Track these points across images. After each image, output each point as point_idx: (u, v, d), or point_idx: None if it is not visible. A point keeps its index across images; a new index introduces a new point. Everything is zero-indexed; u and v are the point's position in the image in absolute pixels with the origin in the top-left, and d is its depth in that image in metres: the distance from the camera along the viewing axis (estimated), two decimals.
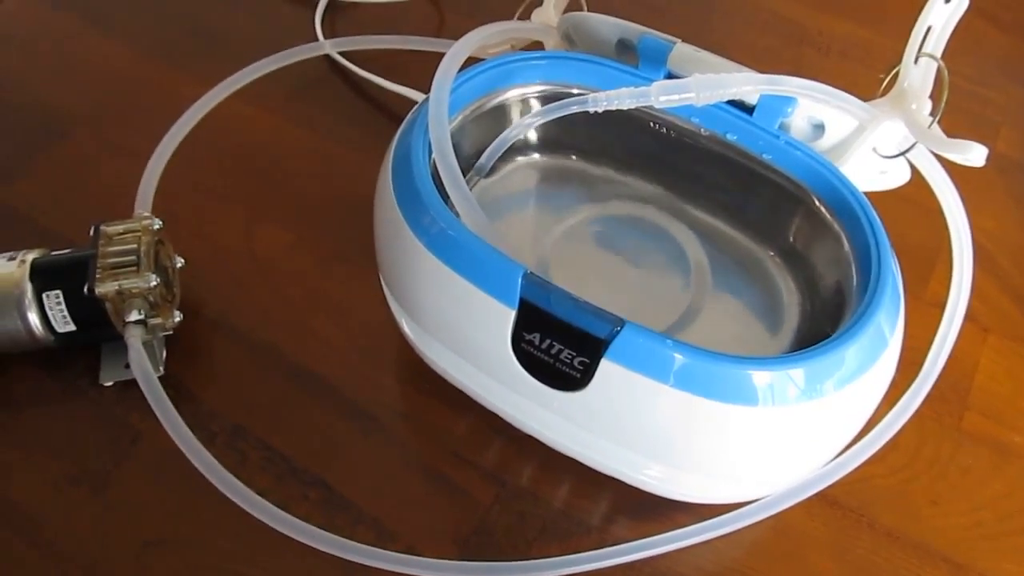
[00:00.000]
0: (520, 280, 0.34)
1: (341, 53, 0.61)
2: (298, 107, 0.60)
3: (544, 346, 0.35)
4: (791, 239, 0.43)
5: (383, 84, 0.59)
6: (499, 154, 0.41)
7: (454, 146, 0.38)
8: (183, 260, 0.49)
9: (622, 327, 0.33)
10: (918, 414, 0.45)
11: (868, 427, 0.42)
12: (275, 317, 0.50)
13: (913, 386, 0.46)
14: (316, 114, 0.59)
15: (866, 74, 0.66)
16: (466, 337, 0.38)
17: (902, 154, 0.39)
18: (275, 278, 0.52)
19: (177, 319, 0.47)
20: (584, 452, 0.40)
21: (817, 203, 0.40)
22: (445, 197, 0.37)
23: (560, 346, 0.34)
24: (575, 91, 0.42)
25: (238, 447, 0.45)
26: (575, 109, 0.39)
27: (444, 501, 0.44)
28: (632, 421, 0.36)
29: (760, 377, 0.33)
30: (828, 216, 0.40)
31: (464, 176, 0.40)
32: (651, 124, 0.43)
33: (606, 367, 0.34)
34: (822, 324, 0.40)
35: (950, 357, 0.46)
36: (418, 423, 0.47)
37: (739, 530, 0.42)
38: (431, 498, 0.44)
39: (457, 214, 0.37)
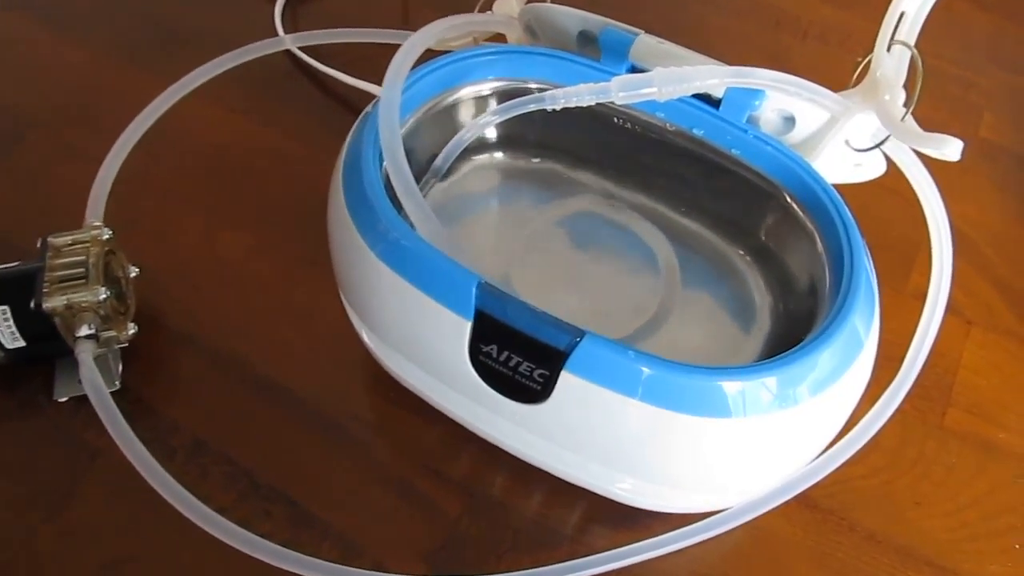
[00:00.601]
0: (475, 291, 0.33)
1: (303, 48, 0.59)
2: (259, 105, 0.58)
3: (502, 358, 0.33)
4: (762, 237, 0.41)
5: (346, 80, 0.57)
6: (455, 155, 0.40)
7: (408, 148, 0.36)
8: (137, 269, 0.47)
9: (581, 338, 0.32)
10: (900, 412, 0.44)
11: (848, 427, 0.41)
12: (238, 326, 0.48)
13: (894, 383, 0.44)
14: (278, 112, 0.58)
15: (846, 59, 0.64)
16: (424, 348, 0.36)
17: (876, 147, 0.37)
18: (238, 285, 0.50)
19: (131, 331, 0.45)
20: (552, 464, 0.39)
21: (788, 200, 0.39)
22: (398, 204, 0.35)
23: (518, 358, 0.33)
24: (533, 86, 0.41)
25: (199, 462, 0.44)
26: (532, 107, 0.37)
27: (412, 514, 0.43)
28: (599, 434, 0.34)
29: (732, 387, 0.32)
30: (800, 213, 0.38)
31: (420, 179, 0.39)
32: (615, 119, 0.41)
33: (567, 379, 0.33)
34: (796, 325, 0.39)
35: (932, 352, 0.44)
36: (386, 433, 0.46)
37: (716, 537, 0.41)
38: (399, 511, 0.43)
39: (411, 222, 0.35)
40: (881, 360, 0.45)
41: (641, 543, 0.41)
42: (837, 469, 0.42)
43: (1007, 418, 0.47)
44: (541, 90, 0.37)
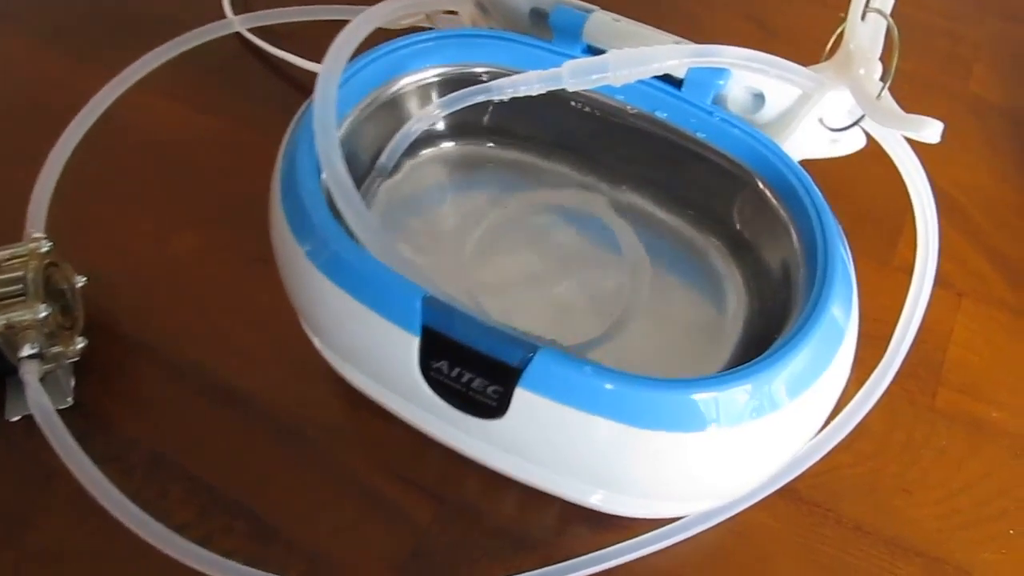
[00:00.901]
0: (420, 305, 0.31)
1: (253, 30, 0.56)
2: (210, 94, 0.55)
3: (454, 374, 0.31)
4: (736, 225, 0.39)
5: (299, 63, 0.54)
6: (401, 151, 0.37)
7: (349, 148, 0.34)
8: (84, 279, 0.45)
9: (534, 353, 0.30)
10: (887, 394, 0.42)
11: (833, 413, 0.39)
12: (194, 331, 0.46)
13: (880, 366, 0.43)
14: (230, 100, 0.55)
15: (830, 17, 0.61)
16: (374, 361, 0.34)
17: (852, 126, 0.34)
18: (193, 288, 0.48)
19: (80, 345, 0.43)
20: (519, 475, 0.37)
21: (760, 185, 0.36)
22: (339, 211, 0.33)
23: (470, 374, 0.31)
24: (480, 71, 0.38)
25: (159, 478, 0.42)
26: (480, 98, 0.34)
27: (381, 523, 0.41)
28: (564, 450, 0.32)
29: (705, 399, 0.30)
30: (772, 200, 0.36)
31: (365, 178, 0.36)
32: (572, 103, 0.38)
33: (523, 396, 0.30)
34: (772, 318, 0.36)
35: (921, 328, 0.42)
36: (351, 439, 0.44)
37: (697, 535, 0.39)
38: (367, 520, 0.41)
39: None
40: (867, 339, 0.43)
41: (620, 545, 0.39)
42: (822, 459, 0.41)
43: (1000, 395, 0.45)
44: (489, 75, 0.35)
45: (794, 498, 0.42)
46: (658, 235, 0.40)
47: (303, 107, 0.36)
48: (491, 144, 0.42)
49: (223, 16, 0.56)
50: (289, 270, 0.35)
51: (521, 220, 0.41)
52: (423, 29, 0.43)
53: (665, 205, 0.41)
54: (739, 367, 0.31)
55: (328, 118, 0.32)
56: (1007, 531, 0.41)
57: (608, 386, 0.29)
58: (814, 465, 0.41)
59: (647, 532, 0.39)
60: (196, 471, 0.42)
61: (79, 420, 0.41)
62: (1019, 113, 0.55)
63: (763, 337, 0.36)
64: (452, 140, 0.42)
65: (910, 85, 0.56)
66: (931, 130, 0.29)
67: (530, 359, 0.30)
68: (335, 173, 0.32)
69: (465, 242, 0.40)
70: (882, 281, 0.48)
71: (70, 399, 0.44)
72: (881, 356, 0.43)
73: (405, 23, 0.47)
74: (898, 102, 0.33)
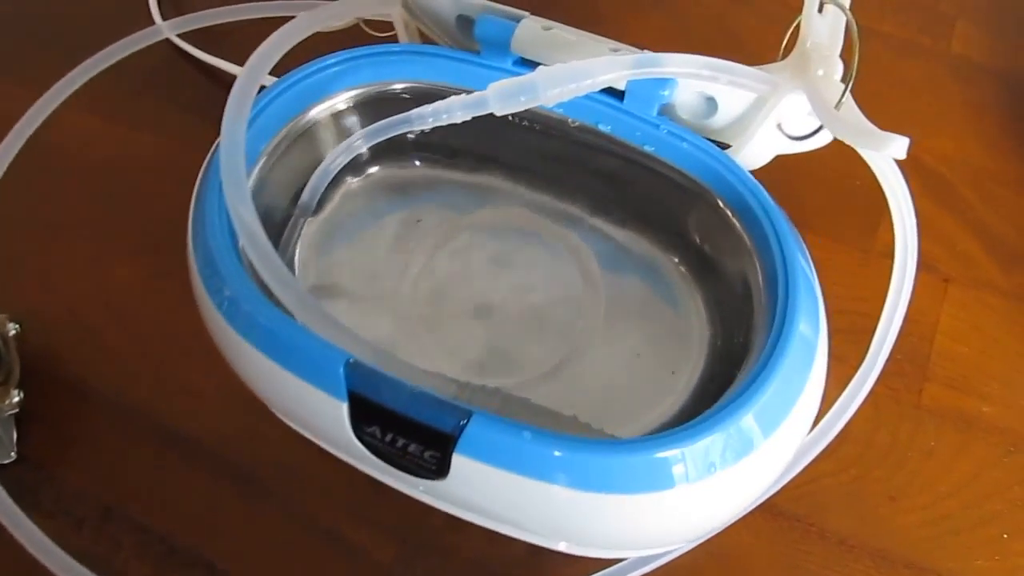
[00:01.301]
0: (343, 371, 0.28)
1: (184, 36, 0.52)
2: (144, 108, 0.52)
3: (387, 440, 0.29)
4: (696, 241, 0.36)
5: (234, 69, 0.51)
6: (323, 188, 0.34)
7: (265, 190, 0.31)
8: (17, 326, 0.42)
9: (468, 419, 0.27)
10: (870, 393, 0.40)
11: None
12: (139, 372, 0.44)
13: (863, 366, 0.40)
14: (165, 114, 0.52)
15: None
16: (307, 421, 0.32)
17: (813, 135, 0.31)
18: (135, 324, 0.45)
19: (16, 398, 0.41)
20: (479, 522, 0.35)
21: (714, 200, 0.33)
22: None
23: (404, 440, 0.29)
24: (399, 88, 0.35)
25: (109, 532, 0.40)
26: (401, 129, 0.31)
27: (343, 565, 0.39)
28: (517, 512, 0.30)
29: (671, 456, 0.28)
30: (728, 214, 0.33)
31: (287, 220, 0.33)
32: (510, 117, 0.35)
33: (462, 462, 0.28)
34: (736, 336, 0.34)
35: (905, 320, 0.40)
36: (307, 480, 0.42)
37: (672, 561, 0.37)
38: (329, 563, 0.40)
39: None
40: (849, 335, 0.41)
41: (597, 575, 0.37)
42: (803, 469, 0.39)
43: (990, 388, 0.42)
44: (409, 92, 0.31)
45: (774, 513, 0.40)
46: (612, 254, 0.38)
47: (211, 150, 0.33)
48: (420, 163, 0.39)
49: (151, 22, 0.53)
50: (208, 324, 0.32)
51: (461, 244, 0.38)
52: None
53: (618, 221, 0.38)
54: (706, 414, 0.29)
55: (236, 167, 0.30)
56: (1000, 535, 0.39)
57: (556, 453, 0.27)
58: (795, 477, 0.39)
59: (622, 559, 0.37)
60: (148, 522, 0.41)
61: (25, 474, 0.40)
62: (1008, 72, 0.51)
63: (728, 356, 0.34)
64: (379, 164, 0.39)
65: (885, 47, 0.53)
66: (896, 147, 0.26)
67: (464, 426, 0.27)
68: (247, 230, 0.29)
69: (402, 273, 0.37)
70: (863, 269, 0.46)
71: (13, 453, 0.42)
72: (864, 353, 0.40)
73: (338, 25, 0.44)
74: (861, 107, 0.30)
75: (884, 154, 0.26)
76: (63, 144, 0.50)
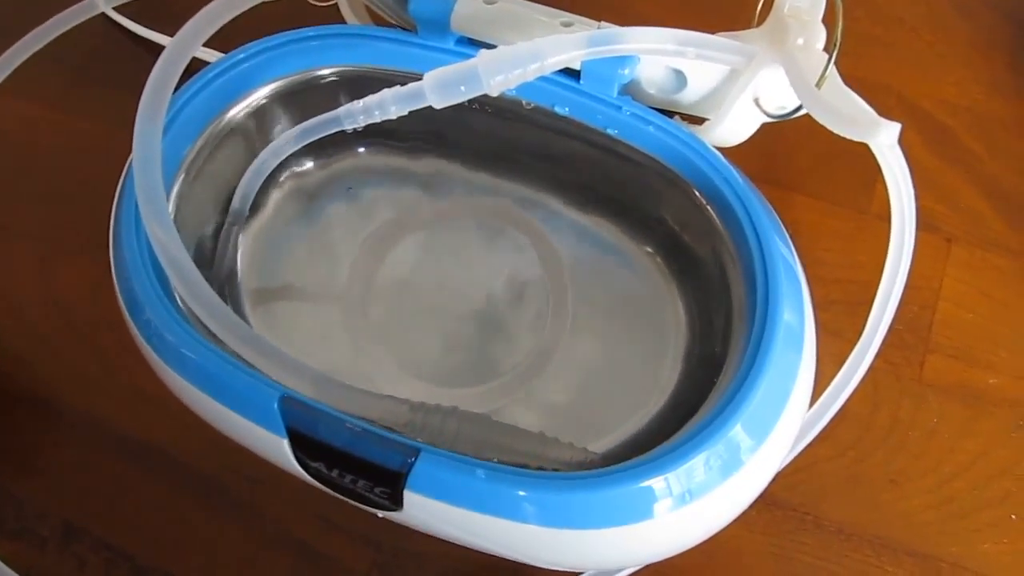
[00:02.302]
0: (278, 407, 0.26)
1: (120, 9, 0.48)
2: (82, 92, 0.48)
3: (334, 475, 0.27)
4: (672, 227, 0.33)
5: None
6: (255, 192, 0.31)
7: (189, 201, 0.28)
8: None
9: (416, 457, 0.25)
10: (869, 370, 0.37)
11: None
12: (94, 379, 0.42)
13: (860, 342, 0.37)
14: (105, 97, 0.48)
15: None
16: (255, 451, 0.30)
17: (793, 113, 0.28)
18: (86, 328, 0.43)
19: None
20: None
21: (684, 184, 0.30)
22: None
23: (352, 475, 0.26)
24: (325, 72, 0.31)
25: (74, 551, 0.39)
26: (331, 129, 0.28)
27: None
28: (484, 543, 0.28)
29: (652, 485, 0.25)
30: (700, 199, 0.30)
31: (218, 230, 0.30)
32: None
33: (416, 499, 0.26)
34: (715, 333, 0.31)
35: (905, 287, 0.37)
36: (275, 488, 0.39)
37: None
38: (302, 575, 0.38)
39: None
40: (846, 307, 0.38)
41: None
42: (798, 456, 0.36)
43: (997, 357, 0.40)
44: (338, 76, 0.28)
45: (768, 503, 0.38)
46: (580, 245, 0.34)
47: (127, 165, 0.30)
48: (365, 150, 0.36)
49: None
50: (139, 347, 0.30)
51: (414, 239, 0.35)
52: None
53: (586, 209, 0.34)
54: (689, 430, 0.26)
55: (152, 184, 0.27)
56: (1008, 516, 0.37)
57: (520, 492, 0.24)
58: (789, 464, 0.36)
59: None
60: (112, 539, 0.39)
61: None
62: (1017, 7, 0.47)
63: (708, 354, 0.31)
64: (317, 156, 0.36)
65: None
66: (886, 134, 0.23)
67: (412, 463, 0.25)
68: (166, 253, 0.26)
69: (352, 274, 0.34)
70: (859, 233, 0.42)
71: None
72: (861, 326, 0.37)
73: None
74: (846, 81, 0.26)
75: (873, 143, 0.23)
76: None
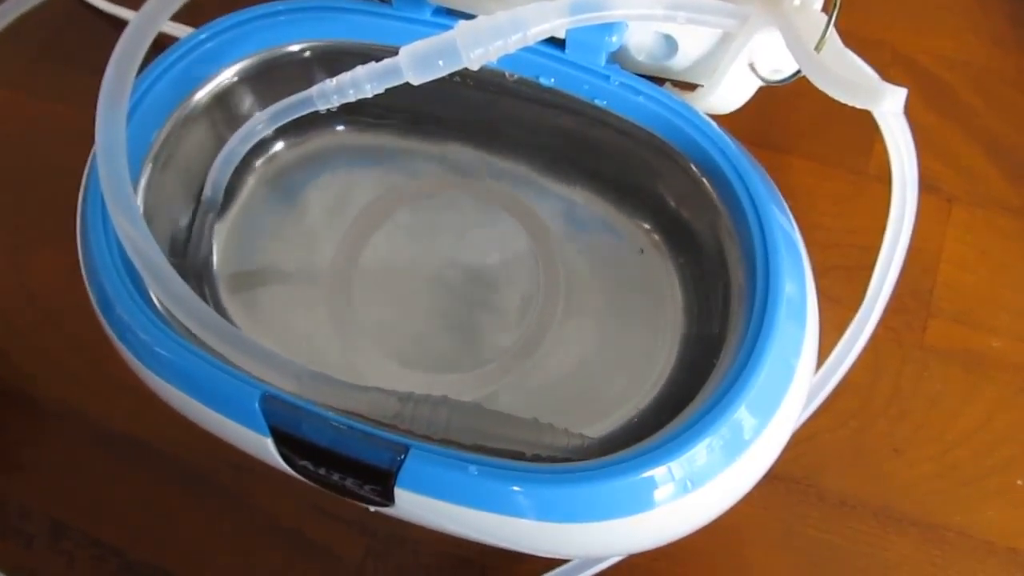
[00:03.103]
0: (259, 406, 0.24)
1: None
2: (49, 72, 0.47)
3: (322, 472, 0.26)
4: (671, 203, 0.31)
5: None
6: (227, 178, 0.30)
7: (161, 189, 0.27)
8: None
9: (405, 454, 0.24)
10: (871, 337, 0.36)
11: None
12: (71, 371, 0.41)
13: (862, 309, 0.36)
14: (71, 77, 0.46)
15: None
16: (239, 447, 0.29)
17: (792, 78, 0.26)
18: (61, 318, 0.42)
19: None
20: None
21: (678, 157, 0.29)
22: None
23: (340, 474, 0.25)
24: (295, 49, 0.30)
25: (62, 548, 0.38)
26: (304, 110, 0.27)
27: (309, 566, 0.37)
28: (475, 535, 0.27)
29: (654, 475, 0.24)
30: (695, 171, 0.28)
31: (192, 220, 0.29)
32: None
33: (407, 495, 0.25)
34: (713, 312, 0.30)
35: (907, 250, 0.36)
36: (264, 478, 0.38)
37: None
38: (294, 565, 0.37)
39: None
40: (846, 272, 0.37)
41: (575, 562, 0.35)
42: (799, 427, 0.36)
43: (1000, 319, 0.39)
44: (307, 50, 0.26)
45: (769, 476, 0.36)
46: (571, 221, 0.33)
47: (91, 156, 0.29)
48: (343, 127, 0.34)
49: None
50: (114, 345, 0.29)
51: (397, 220, 0.33)
52: None
53: (576, 183, 0.33)
54: (692, 413, 0.25)
55: (118, 174, 0.25)
56: (1014, 482, 0.36)
57: (515, 487, 0.23)
58: (790, 436, 0.35)
59: None
60: (101, 534, 0.38)
61: None
62: None
63: (707, 334, 0.30)
64: (295, 134, 0.34)
65: None
66: (891, 101, 0.22)
67: (402, 460, 0.24)
68: (135, 247, 0.25)
69: (334, 259, 0.33)
70: (858, 195, 0.41)
71: None
72: (862, 292, 0.36)
73: None
74: (845, 40, 0.25)
75: (878, 111, 0.22)
76: None
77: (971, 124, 0.42)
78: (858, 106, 0.24)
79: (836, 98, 0.24)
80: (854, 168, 0.42)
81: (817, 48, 0.24)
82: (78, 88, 0.45)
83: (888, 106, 0.22)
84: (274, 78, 0.29)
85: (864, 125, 0.42)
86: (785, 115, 0.43)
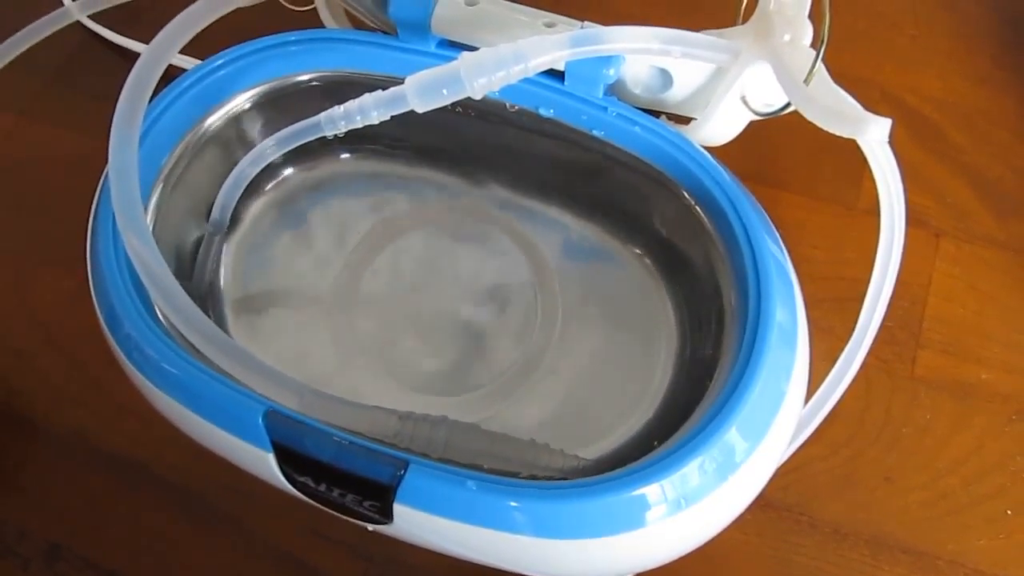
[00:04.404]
0: (262, 422, 0.25)
1: (95, 17, 0.48)
2: (58, 102, 0.48)
3: (322, 489, 0.26)
4: (660, 231, 0.32)
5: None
6: (235, 202, 0.30)
7: (170, 211, 0.27)
8: None
9: (405, 469, 0.24)
10: (862, 367, 0.36)
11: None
12: (73, 393, 0.41)
13: (852, 339, 0.36)
14: (80, 106, 0.47)
15: None
16: (239, 464, 0.29)
17: (782, 110, 0.28)
18: (64, 340, 0.42)
19: None
20: None
21: (673, 186, 0.30)
22: None
23: (340, 490, 0.26)
24: (306, 78, 0.31)
25: (58, 570, 0.38)
26: (312, 136, 0.28)
27: None
28: (477, 555, 0.27)
29: (645, 493, 0.25)
30: (688, 200, 0.29)
31: (199, 241, 0.30)
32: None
33: (406, 511, 0.25)
34: (706, 336, 0.31)
35: (896, 282, 0.36)
36: (261, 501, 0.39)
37: None
38: None
39: None
40: (836, 304, 0.38)
41: None
42: (791, 456, 0.36)
43: (989, 351, 0.39)
44: (319, 81, 0.27)
45: (761, 505, 0.37)
46: (569, 248, 0.34)
47: (103, 176, 0.30)
48: (349, 156, 0.35)
49: (59, 3, 0.48)
50: (118, 361, 0.29)
51: (400, 246, 0.34)
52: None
53: (574, 212, 0.34)
54: (683, 435, 0.26)
55: (129, 193, 0.26)
56: (1004, 511, 0.37)
57: (512, 503, 0.24)
58: (782, 464, 0.36)
59: None
60: (97, 557, 0.38)
61: None
62: None
63: (700, 357, 0.31)
64: (300, 162, 0.35)
65: None
66: (876, 130, 0.23)
67: (402, 476, 0.24)
68: (144, 265, 0.25)
69: (338, 284, 0.34)
70: (847, 229, 0.42)
71: None
72: (851, 323, 0.37)
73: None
74: (835, 79, 0.26)
75: (863, 140, 0.23)
76: None
77: (957, 161, 0.43)
78: (845, 135, 0.25)
79: (824, 128, 0.25)
80: (843, 202, 0.43)
81: (806, 81, 0.25)
82: (86, 116, 0.47)
83: (873, 134, 0.23)
84: (283, 106, 0.30)
85: (853, 160, 0.43)
86: (775, 151, 0.44)
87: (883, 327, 0.37)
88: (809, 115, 0.25)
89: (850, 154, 0.44)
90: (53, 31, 0.47)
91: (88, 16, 0.48)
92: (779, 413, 0.28)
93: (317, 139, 0.32)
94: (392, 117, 0.31)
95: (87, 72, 0.49)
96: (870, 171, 0.41)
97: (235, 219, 0.32)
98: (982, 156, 0.43)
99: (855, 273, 0.38)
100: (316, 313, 0.33)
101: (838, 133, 0.25)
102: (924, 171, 0.43)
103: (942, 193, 0.43)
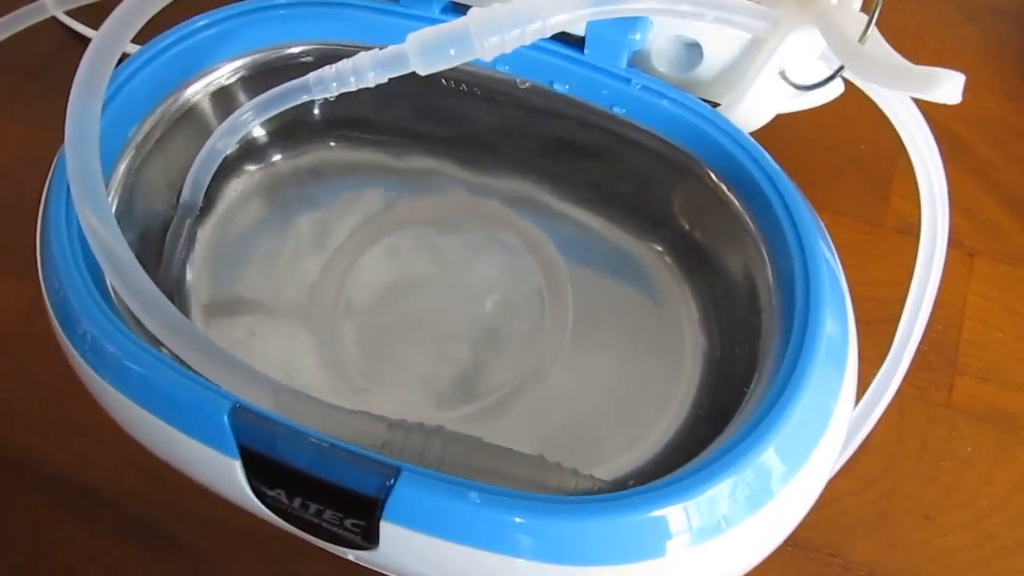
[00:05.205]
0: (228, 419, 0.21)
1: (72, 13, 0.45)
2: (28, 101, 0.45)
3: (296, 504, 0.22)
4: (684, 225, 0.29)
5: (132, 50, 0.43)
6: (207, 179, 0.27)
7: (138, 189, 0.24)
8: None
9: (395, 478, 0.21)
10: (896, 394, 0.33)
11: None
12: (25, 411, 0.37)
13: (886, 363, 0.34)
14: (56, 106, 0.44)
15: None
16: (201, 479, 0.25)
17: (828, 81, 0.25)
18: (19, 353, 0.38)
19: None
20: None
21: (705, 172, 0.27)
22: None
23: (316, 505, 0.22)
24: (297, 52, 0.28)
25: None
26: (300, 98, 0.24)
27: None
28: None
29: (667, 517, 0.21)
30: (723, 189, 0.26)
31: (166, 225, 0.26)
32: (443, 81, 0.28)
33: (395, 531, 0.21)
34: (737, 347, 0.27)
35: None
36: (229, 533, 0.35)
37: None
38: None
39: None
40: (865, 327, 0.35)
41: None
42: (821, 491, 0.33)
43: None
44: (311, 55, 0.24)
45: (789, 544, 0.33)
46: (580, 245, 0.31)
47: (61, 148, 0.26)
48: (336, 144, 0.32)
49: None
50: (71, 363, 0.25)
51: (392, 243, 0.31)
52: None
53: (586, 204, 0.31)
54: (712, 451, 0.22)
55: (86, 161, 0.23)
56: None
57: (517, 519, 0.20)
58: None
59: None
60: None
61: None
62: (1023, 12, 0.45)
63: (729, 370, 0.28)
64: (283, 147, 0.32)
65: None
66: (948, 87, 0.20)
67: (391, 486, 0.21)
68: (98, 239, 0.22)
69: (322, 283, 0.30)
70: (875, 248, 0.39)
71: None
72: (884, 348, 0.34)
73: None
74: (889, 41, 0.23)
75: (933, 97, 0.20)
76: None
77: (988, 178, 0.41)
78: (912, 94, 0.22)
79: (885, 87, 0.22)
80: (869, 219, 0.40)
81: (860, 41, 0.23)
82: (57, 117, 0.44)
83: (945, 91, 0.21)
84: (272, 79, 0.27)
85: (880, 176, 0.41)
86: (796, 165, 0.41)
87: (918, 352, 0.34)
88: (867, 75, 0.22)
89: (877, 170, 0.41)
90: (27, 26, 0.44)
91: (64, 12, 0.45)
92: (824, 436, 0.25)
93: (305, 126, 0.29)
94: (387, 100, 0.28)
95: (62, 70, 0.45)
96: (898, 189, 0.39)
97: (210, 207, 0.29)
98: (1013, 173, 0.41)
99: (884, 294, 0.35)
100: (298, 317, 0.30)
101: (904, 91, 0.22)
102: (955, 189, 0.40)
103: (974, 211, 0.40)
